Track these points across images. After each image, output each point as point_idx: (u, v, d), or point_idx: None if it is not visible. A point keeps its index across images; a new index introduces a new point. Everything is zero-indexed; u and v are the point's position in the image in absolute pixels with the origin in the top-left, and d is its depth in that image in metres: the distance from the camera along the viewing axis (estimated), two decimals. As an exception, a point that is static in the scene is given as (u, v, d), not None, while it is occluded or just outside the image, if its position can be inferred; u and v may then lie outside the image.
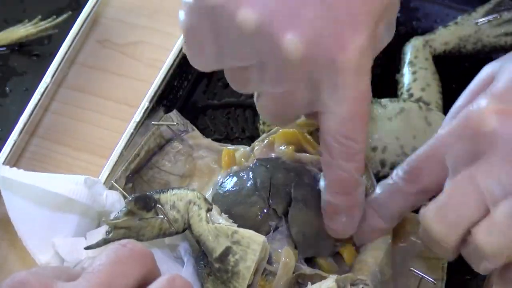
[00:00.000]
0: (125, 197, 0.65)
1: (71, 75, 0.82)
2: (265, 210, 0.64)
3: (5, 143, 0.74)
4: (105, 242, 0.63)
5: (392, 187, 0.61)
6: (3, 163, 0.73)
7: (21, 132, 0.75)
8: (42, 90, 0.77)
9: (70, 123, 0.80)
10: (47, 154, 0.78)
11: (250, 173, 0.66)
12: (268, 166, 0.66)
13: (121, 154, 0.71)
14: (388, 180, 0.61)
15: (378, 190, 0.62)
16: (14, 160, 0.77)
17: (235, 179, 0.67)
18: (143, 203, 0.62)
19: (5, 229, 0.75)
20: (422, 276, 0.66)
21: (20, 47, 0.82)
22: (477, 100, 0.55)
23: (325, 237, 0.64)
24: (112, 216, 0.65)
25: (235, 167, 0.68)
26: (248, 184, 0.65)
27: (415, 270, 0.66)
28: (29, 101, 0.76)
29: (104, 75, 0.82)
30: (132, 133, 0.73)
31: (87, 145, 0.79)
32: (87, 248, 0.64)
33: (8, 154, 0.74)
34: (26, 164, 0.78)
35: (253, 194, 0.65)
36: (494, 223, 0.53)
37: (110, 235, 0.63)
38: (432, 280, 0.66)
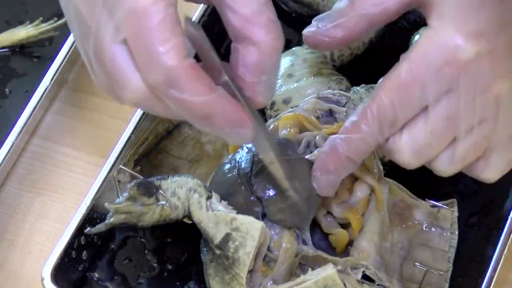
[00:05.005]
0: (135, 179, 0.65)
1: (71, 76, 0.82)
2: (249, 197, 0.64)
3: (3, 143, 0.74)
4: (105, 226, 0.63)
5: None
6: (1, 164, 0.73)
7: (20, 132, 0.75)
8: (42, 91, 0.77)
9: (70, 123, 0.80)
10: (47, 154, 0.78)
11: (235, 159, 0.65)
12: (251, 148, 0.65)
13: (129, 138, 0.71)
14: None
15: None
16: (13, 160, 0.77)
17: (224, 167, 0.66)
18: (145, 189, 0.62)
19: (5, 229, 0.74)
20: (428, 269, 0.66)
21: (21, 49, 0.82)
22: (438, 33, 0.55)
23: (307, 196, 0.63)
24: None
25: (230, 155, 0.68)
26: (233, 172, 0.65)
27: (421, 265, 0.66)
28: (28, 102, 0.76)
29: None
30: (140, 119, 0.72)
31: (87, 145, 0.78)
32: (88, 232, 0.64)
33: (6, 154, 0.74)
34: (26, 164, 0.78)
35: (236, 182, 0.64)
36: (459, 152, 0.57)
37: (111, 219, 0.63)
38: (439, 272, 0.66)
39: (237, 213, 0.63)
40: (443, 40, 0.55)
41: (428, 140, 0.56)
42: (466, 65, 0.54)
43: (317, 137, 0.66)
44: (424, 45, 0.55)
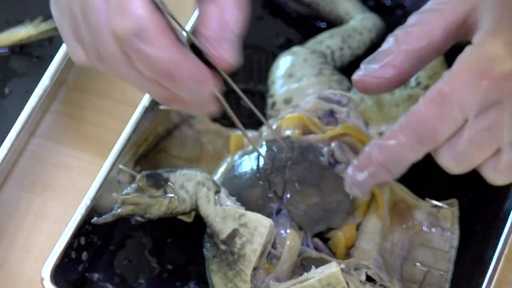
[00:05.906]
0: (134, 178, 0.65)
1: (71, 75, 0.82)
2: (267, 193, 0.64)
3: (3, 143, 0.74)
4: (113, 216, 0.63)
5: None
6: (1, 164, 0.73)
7: (19, 133, 0.75)
8: (42, 91, 0.76)
9: (70, 123, 0.80)
10: (47, 154, 0.78)
11: (255, 155, 0.66)
12: (273, 147, 0.66)
13: (129, 139, 0.71)
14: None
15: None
16: (13, 160, 0.77)
17: (241, 162, 0.67)
18: (154, 181, 0.62)
19: (4, 229, 0.74)
20: (429, 269, 0.66)
21: (20, 49, 0.82)
22: (478, 47, 0.55)
23: (333, 208, 0.64)
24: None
25: (240, 151, 0.69)
26: (252, 167, 0.65)
27: (421, 265, 0.66)
28: (28, 102, 0.76)
29: (104, 75, 0.81)
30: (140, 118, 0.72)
31: (87, 145, 0.78)
32: (95, 222, 0.64)
33: (6, 154, 0.74)
34: (26, 164, 0.78)
35: (254, 176, 0.65)
36: (504, 162, 0.56)
37: (119, 210, 0.63)
38: (439, 272, 0.66)
39: (249, 208, 0.63)
40: (482, 53, 0.55)
41: (467, 149, 0.56)
42: (506, 77, 0.54)
43: (336, 151, 0.67)
44: (464, 59, 0.56)
